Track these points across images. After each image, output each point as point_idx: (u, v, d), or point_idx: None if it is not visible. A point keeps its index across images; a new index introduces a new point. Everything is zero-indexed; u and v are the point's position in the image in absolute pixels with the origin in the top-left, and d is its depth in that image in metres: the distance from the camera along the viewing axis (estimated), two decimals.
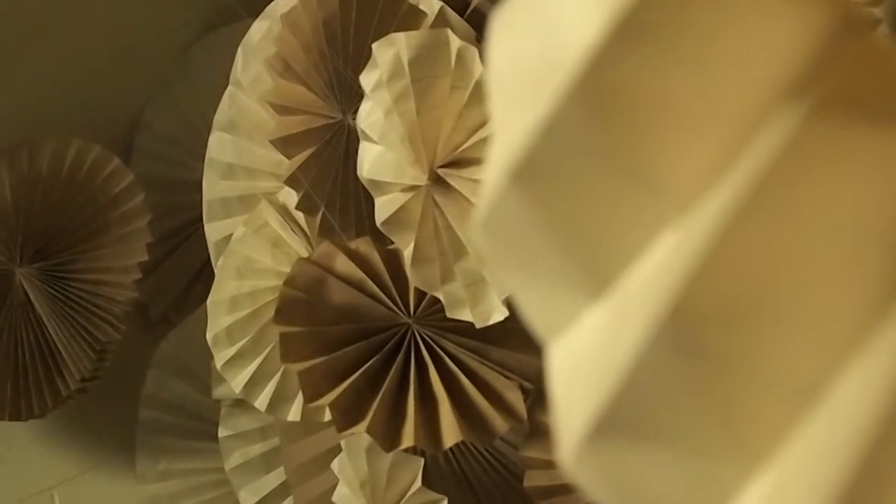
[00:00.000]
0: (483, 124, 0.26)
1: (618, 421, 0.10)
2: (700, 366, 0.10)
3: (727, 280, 0.10)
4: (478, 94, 0.26)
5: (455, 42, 0.26)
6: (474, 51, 0.26)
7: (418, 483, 0.27)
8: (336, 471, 0.28)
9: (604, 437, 0.10)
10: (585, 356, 0.11)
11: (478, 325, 0.26)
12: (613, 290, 0.11)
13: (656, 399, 0.10)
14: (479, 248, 0.11)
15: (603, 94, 0.10)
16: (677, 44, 0.10)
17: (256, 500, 0.32)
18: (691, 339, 0.10)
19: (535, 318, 0.11)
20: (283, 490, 0.32)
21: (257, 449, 0.32)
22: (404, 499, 0.27)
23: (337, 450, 0.29)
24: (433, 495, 0.27)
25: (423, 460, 0.27)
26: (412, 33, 0.26)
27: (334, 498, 0.28)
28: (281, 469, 0.32)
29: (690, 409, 0.10)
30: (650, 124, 0.10)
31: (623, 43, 0.10)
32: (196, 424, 0.35)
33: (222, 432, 0.32)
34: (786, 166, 0.09)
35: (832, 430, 0.09)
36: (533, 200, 0.10)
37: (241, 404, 0.32)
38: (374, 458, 0.27)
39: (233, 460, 0.32)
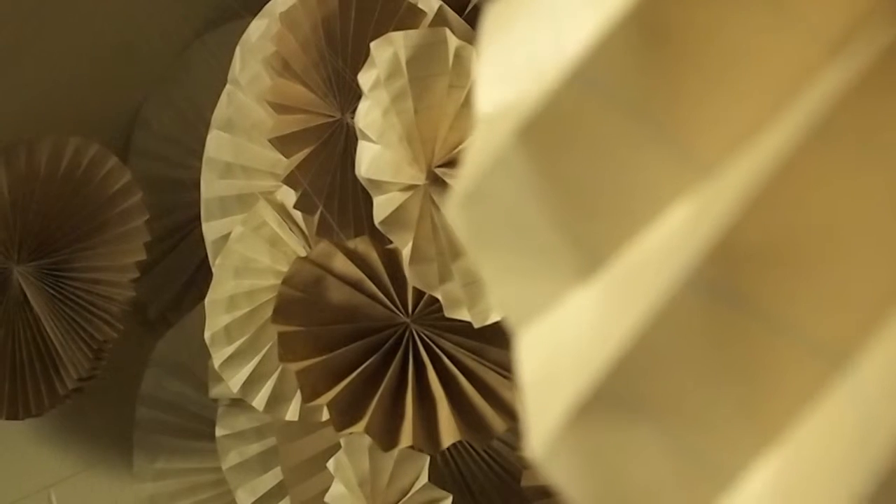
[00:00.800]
0: None
1: (615, 395, 0.09)
2: (735, 313, 0.09)
3: (775, 222, 0.09)
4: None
5: (453, 41, 0.26)
6: (472, 50, 0.26)
7: (424, 480, 0.26)
8: (332, 470, 0.28)
9: (593, 416, 0.10)
10: (569, 335, 0.10)
11: (476, 325, 0.26)
12: (607, 266, 0.10)
13: (671, 363, 0.09)
14: (458, 226, 0.11)
15: (649, 34, 0.09)
16: None
17: (253, 499, 0.32)
18: (732, 280, 0.09)
19: (509, 302, 0.11)
20: (280, 490, 0.32)
21: (254, 448, 0.32)
22: (407, 496, 0.27)
23: (334, 450, 0.29)
24: (438, 492, 0.27)
25: (428, 458, 0.27)
26: (410, 32, 0.26)
27: (327, 498, 0.28)
28: (278, 469, 0.32)
29: (712, 368, 0.09)
30: (693, 75, 0.09)
31: None
32: (193, 424, 0.35)
33: (219, 432, 0.32)
34: (840, 119, 0.09)
35: (855, 405, 0.09)
36: (540, 160, 0.10)
37: (239, 404, 0.32)
38: (377, 456, 0.27)
39: (230, 460, 0.32)
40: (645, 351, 0.09)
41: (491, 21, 0.11)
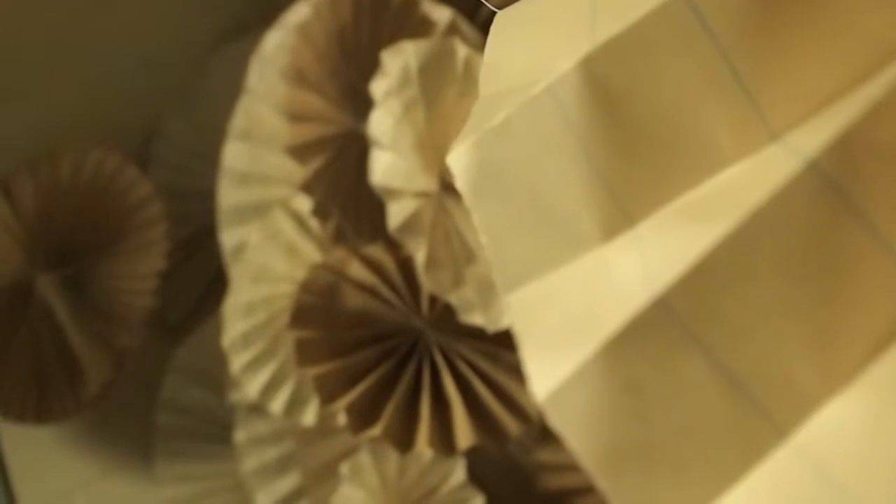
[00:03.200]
0: None
1: (667, 316, 0.08)
2: (841, 208, 0.08)
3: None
4: None
5: (462, 51, 0.26)
6: (480, 59, 0.26)
7: (459, 478, 0.27)
8: (347, 473, 0.28)
9: (630, 345, 0.08)
10: (599, 287, 0.09)
11: (490, 330, 0.26)
12: (641, 220, 0.09)
13: (752, 275, 0.08)
14: (465, 169, 0.10)
15: None
16: None
17: (272, 502, 0.33)
18: (847, 171, 0.08)
19: (507, 258, 0.10)
20: (298, 493, 0.32)
21: (273, 453, 0.33)
22: (434, 496, 0.27)
23: (352, 453, 0.29)
24: (469, 492, 0.27)
25: (463, 458, 0.27)
26: (420, 42, 0.27)
27: (341, 501, 0.28)
28: (296, 472, 0.32)
29: (793, 288, 0.08)
30: (791, 31, 0.09)
31: None
32: (213, 429, 0.35)
33: (238, 436, 0.33)
34: None
35: None
36: (602, 90, 0.09)
37: (257, 409, 0.33)
38: (405, 457, 0.27)
39: (248, 464, 0.33)
40: (727, 259, 0.08)
41: (506, 20, 0.10)
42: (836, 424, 0.08)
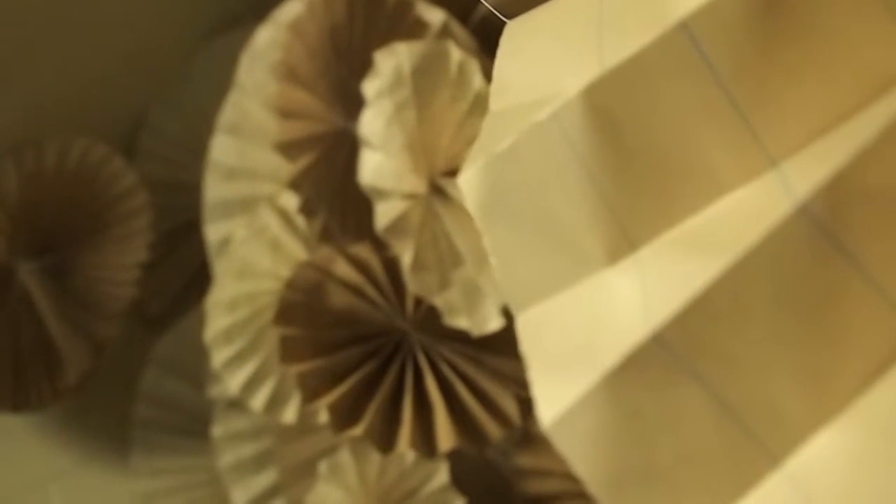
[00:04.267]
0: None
1: (662, 351, 0.08)
2: (834, 254, 0.08)
3: (887, 171, 0.09)
4: (477, 105, 0.26)
5: (455, 54, 0.27)
6: (475, 63, 0.26)
7: (443, 480, 0.27)
8: (325, 472, 0.28)
9: (630, 376, 0.08)
10: (603, 310, 0.09)
11: (474, 333, 0.27)
12: (646, 244, 0.09)
13: (742, 312, 0.08)
14: (473, 191, 0.10)
15: (768, 7, 0.09)
16: None
17: (247, 498, 0.33)
18: (840, 216, 0.08)
19: (515, 280, 0.10)
20: (274, 490, 0.32)
21: (250, 449, 0.33)
22: (413, 498, 0.27)
23: (330, 452, 0.29)
24: (451, 495, 0.27)
25: (446, 461, 0.27)
26: (414, 44, 0.27)
27: (317, 502, 0.28)
28: (273, 469, 0.32)
29: (797, 313, 0.08)
30: (787, 56, 0.09)
31: None
32: (191, 423, 0.35)
33: (216, 431, 0.33)
34: None
35: None
36: (604, 119, 0.09)
37: (236, 404, 0.33)
38: (386, 458, 0.27)
39: (225, 459, 0.33)
40: (721, 296, 0.08)
41: (514, 32, 0.11)
42: (823, 456, 0.09)
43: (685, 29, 0.09)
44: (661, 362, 0.09)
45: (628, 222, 0.09)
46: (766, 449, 0.09)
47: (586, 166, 0.09)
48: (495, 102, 0.11)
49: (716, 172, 0.09)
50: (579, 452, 0.09)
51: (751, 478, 0.09)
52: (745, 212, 0.09)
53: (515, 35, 0.11)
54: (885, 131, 0.09)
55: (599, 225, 0.10)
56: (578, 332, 0.10)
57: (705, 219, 0.09)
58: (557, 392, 0.09)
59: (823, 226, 0.09)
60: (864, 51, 0.09)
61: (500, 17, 0.21)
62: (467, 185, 0.10)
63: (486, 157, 0.10)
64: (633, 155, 0.09)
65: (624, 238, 0.09)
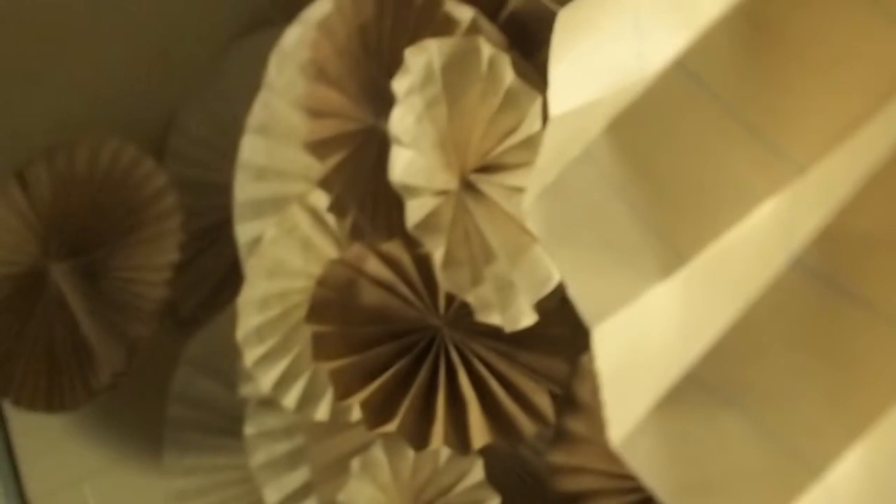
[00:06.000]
0: (513, 131, 0.26)
1: (703, 385, 0.09)
2: (838, 298, 0.09)
3: (881, 211, 0.09)
4: (508, 101, 0.26)
5: (486, 49, 0.26)
6: (505, 58, 0.26)
7: (478, 477, 0.27)
8: (358, 469, 0.28)
9: (679, 406, 0.09)
10: (655, 329, 0.10)
11: (507, 330, 0.26)
12: (690, 259, 0.10)
13: (767, 351, 0.09)
14: (534, 220, 0.11)
15: (758, 27, 0.09)
16: None
17: (280, 497, 0.33)
18: (839, 264, 0.09)
19: (585, 293, 0.11)
20: (307, 488, 0.33)
21: (282, 447, 0.33)
22: (448, 495, 0.27)
23: (362, 450, 0.29)
24: (485, 493, 0.27)
25: (481, 457, 0.27)
26: (444, 40, 0.27)
27: (349, 498, 0.28)
28: (305, 468, 0.32)
29: (808, 355, 0.09)
30: (793, 77, 0.09)
31: None
32: (223, 422, 0.35)
33: (248, 430, 0.33)
34: None
35: None
36: (631, 153, 0.10)
37: (268, 403, 0.33)
38: (420, 455, 0.27)
39: (258, 458, 0.33)
40: (741, 337, 0.09)
41: (565, 25, 0.11)
42: (852, 470, 0.09)
43: (682, 68, 0.09)
44: (698, 397, 0.10)
45: (674, 239, 0.10)
46: (808, 463, 0.09)
47: (622, 193, 0.10)
48: (553, 106, 0.11)
49: (746, 186, 0.10)
50: (644, 470, 0.10)
51: (795, 489, 0.09)
52: (761, 236, 0.10)
53: (566, 26, 0.11)
54: (874, 174, 0.09)
55: (648, 244, 0.10)
56: (632, 350, 0.10)
57: (742, 234, 0.10)
58: (622, 411, 0.10)
59: (821, 274, 0.09)
60: (867, 49, 0.09)
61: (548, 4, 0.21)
62: (530, 213, 0.11)
63: (539, 188, 0.10)
64: (665, 181, 0.10)
65: (673, 252, 0.10)
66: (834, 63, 0.09)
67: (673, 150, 0.10)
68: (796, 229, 0.09)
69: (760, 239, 0.10)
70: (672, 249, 0.10)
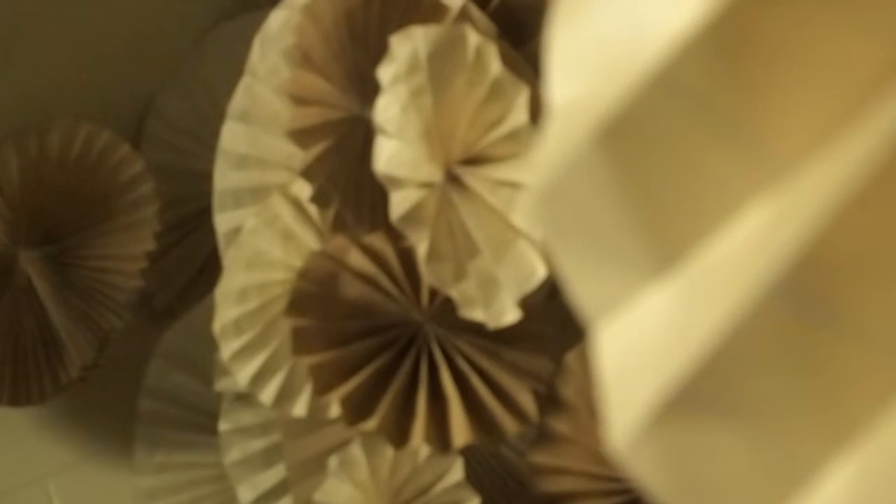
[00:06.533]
0: (499, 122, 0.26)
1: (694, 397, 0.10)
2: (817, 322, 0.09)
3: (861, 233, 0.09)
4: (495, 91, 0.26)
5: (473, 38, 0.26)
6: (492, 47, 0.26)
7: (457, 477, 0.26)
8: (336, 467, 0.28)
9: (673, 416, 0.10)
10: (648, 334, 0.10)
11: (490, 326, 0.26)
12: (685, 265, 0.10)
13: (752, 369, 0.10)
14: (537, 222, 0.11)
15: (729, 40, 0.09)
16: None
17: (255, 495, 0.32)
18: (815, 291, 0.09)
19: (585, 295, 0.11)
20: (282, 487, 0.32)
21: (258, 444, 0.32)
22: (426, 495, 0.27)
23: (339, 447, 0.28)
24: (464, 493, 0.26)
25: (461, 456, 0.26)
26: (430, 28, 0.26)
27: (322, 496, 0.27)
28: (281, 466, 0.31)
29: (792, 376, 0.10)
30: (769, 79, 0.10)
31: None
32: (197, 417, 0.34)
33: (223, 426, 0.32)
34: None
35: None
36: (617, 163, 0.10)
37: (244, 398, 0.32)
38: (399, 453, 0.27)
39: (232, 455, 0.32)
40: (727, 353, 0.10)
41: (563, 7, 0.11)
42: (837, 480, 0.10)
43: (661, 81, 0.10)
44: (691, 406, 0.10)
45: (668, 243, 0.10)
46: (796, 474, 0.10)
47: (618, 202, 0.10)
48: (553, 94, 0.11)
49: (730, 186, 0.10)
50: (645, 474, 0.10)
51: (786, 496, 0.10)
52: (748, 246, 0.10)
53: (563, 5, 0.11)
54: (846, 198, 0.09)
55: (645, 243, 0.10)
56: (632, 353, 0.10)
57: (733, 241, 0.10)
58: (623, 414, 0.10)
59: (796, 296, 0.09)
60: (846, 43, 0.09)
61: None
62: (532, 216, 0.11)
63: (539, 188, 0.10)
64: (656, 187, 0.10)
65: (668, 257, 0.10)
66: (807, 68, 0.10)
67: (657, 157, 0.10)
68: (773, 250, 0.10)
69: (744, 251, 0.10)
70: (665, 254, 0.11)
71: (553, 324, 0.28)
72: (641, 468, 0.10)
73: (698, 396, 0.10)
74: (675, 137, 0.10)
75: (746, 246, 0.10)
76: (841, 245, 0.09)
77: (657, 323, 0.10)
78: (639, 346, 0.10)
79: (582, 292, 0.11)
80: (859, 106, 0.10)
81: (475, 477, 0.29)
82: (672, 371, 0.10)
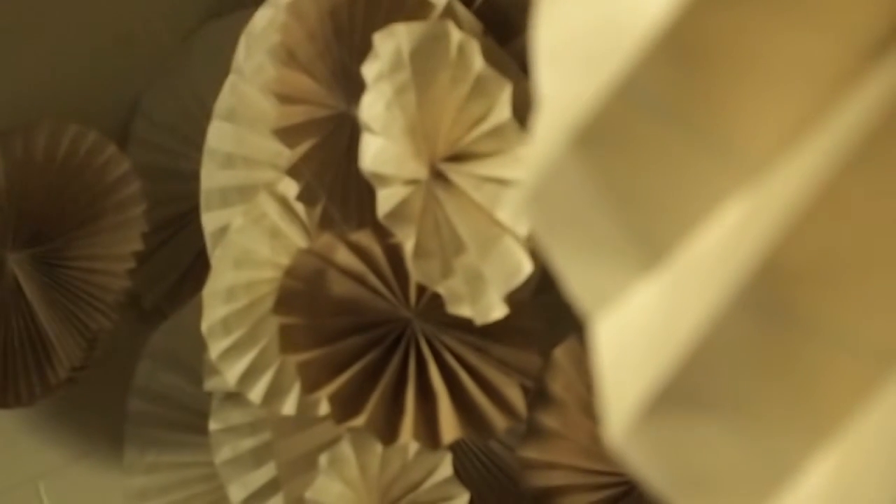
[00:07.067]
0: (483, 118, 0.26)
1: (678, 393, 0.10)
2: (782, 325, 0.10)
3: (820, 239, 0.09)
4: (478, 87, 0.26)
5: (456, 35, 0.26)
6: (475, 44, 0.26)
7: (446, 473, 0.26)
8: (326, 464, 0.28)
9: (660, 410, 0.10)
10: (638, 328, 0.10)
11: (478, 322, 0.26)
12: (670, 261, 0.10)
13: (727, 366, 0.10)
14: (528, 219, 0.11)
15: (690, 46, 0.10)
16: None
17: (246, 494, 0.32)
18: (778, 297, 0.10)
19: (580, 290, 0.11)
20: (273, 485, 0.32)
21: (248, 443, 0.32)
22: (416, 491, 0.27)
23: (329, 445, 0.28)
24: (454, 489, 0.26)
25: (449, 452, 0.26)
26: (413, 25, 0.26)
27: (314, 494, 0.27)
28: (271, 464, 0.31)
29: (763, 375, 0.10)
30: (734, 82, 0.10)
31: None
32: (186, 417, 0.34)
33: (213, 426, 0.32)
34: (888, 125, 0.09)
35: None
36: (593, 167, 0.10)
37: (233, 398, 0.32)
38: (387, 450, 0.27)
39: (223, 454, 0.32)
40: (705, 350, 0.10)
41: None
42: (818, 474, 0.10)
43: (625, 92, 0.10)
44: (678, 402, 0.10)
45: (654, 235, 0.10)
46: (781, 468, 0.10)
47: (594, 201, 0.10)
48: (540, 83, 0.11)
49: (704, 186, 0.10)
50: (641, 466, 0.10)
51: (774, 489, 0.11)
52: (721, 247, 0.10)
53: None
54: (803, 209, 0.09)
55: (630, 241, 0.10)
56: (625, 348, 0.10)
57: (711, 240, 0.10)
58: (612, 413, 0.10)
59: (762, 310, 0.10)
60: (803, 46, 0.10)
61: None
62: (523, 209, 0.11)
63: (527, 186, 0.10)
64: (632, 187, 0.10)
65: (652, 254, 0.10)
66: (767, 71, 0.10)
67: (630, 161, 0.10)
68: (738, 256, 0.10)
69: (720, 248, 0.10)
70: (650, 248, 0.11)
71: (541, 319, 0.28)
72: (636, 460, 0.10)
73: (684, 391, 0.10)
74: (645, 141, 0.10)
75: (722, 243, 0.10)
76: (802, 249, 0.09)
77: (646, 317, 0.11)
78: (631, 340, 0.10)
79: (576, 287, 0.11)
80: (826, 104, 0.10)
81: (465, 472, 0.29)
82: (659, 366, 0.10)
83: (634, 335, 0.10)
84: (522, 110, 0.26)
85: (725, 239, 0.10)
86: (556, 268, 0.11)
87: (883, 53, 0.10)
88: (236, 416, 0.32)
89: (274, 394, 0.29)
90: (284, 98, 0.28)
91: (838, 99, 0.10)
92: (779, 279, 0.09)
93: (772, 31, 0.10)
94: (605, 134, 0.10)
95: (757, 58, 0.10)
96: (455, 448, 0.29)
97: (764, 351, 0.10)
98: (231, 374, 0.29)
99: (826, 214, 0.09)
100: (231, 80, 0.31)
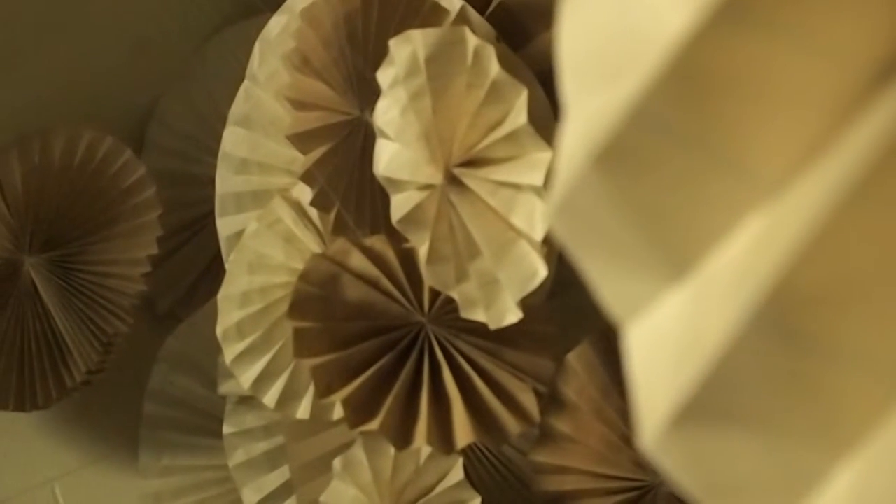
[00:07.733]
0: (498, 124, 0.26)
1: (705, 404, 0.10)
2: (798, 348, 0.10)
3: (832, 263, 0.10)
4: (494, 93, 0.26)
5: (472, 40, 0.26)
6: (491, 49, 0.26)
7: (458, 477, 0.26)
8: (339, 468, 0.28)
9: (689, 420, 0.10)
10: (667, 338, 0.11)
11: (491, 327, 0.26)
12: (694, 273, 0.11)
13: (748, 382, 0.10)
14: (555, 231, 0.11)
15: (698, 76, 0.10)
16: (776, 22, 0.10)
17: (259, 498, 0.32)
18: (792, 321, 0.10)
19: (611, 299, 0.11)
20: (286, 489, 0.32)
21: (261, 447, 0.32)
22: (430, 495, 0.27)
23: (343, 449, 0.28)
24: (466, 492, 0.27)
25: (461, 456, 0.26)
26: (429, 31, 0.26)
27: (330, 499, 0.28)
28: (284, 468, 0.32)
29: (783, 393, 0.10)
30: (744, 108, 0.10)
31: (721, 23, 0.10)
32: (201, 421, 0.35)
33: (227, 429, 0.32)
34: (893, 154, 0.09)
35: None
36: (614, 185, 0.11)
37: (247, 401, 0.32)
38: (400, 454, 0.27)
39: (236, 457, 0.32)
40: (728, 366, 0.10)
41: (568, 5, 0.11)
42: (839, 484, 0.10)
43: (639, 116, 0.10)
44: (705, 414, 0.10)
45: (678, 248, 0.10)
46: (804, 478, 0.11)
47: (614, 215, 0.11)
48: (565, 90, 0.11)
49: (722, 207, 0.10)
50: (676, 473, 0.10)
51: (802, 490, 0.11)
52: (741, 264, 0.11)
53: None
54: (815, 235, 0.10)
55: (655, 253, 0.11)
56: (656, 357, 0.10)
57: (727, 255, 0.10)
58: (646, 420, 0.10)
59: (777, 333, 0.10)
60: (809, 73, 0.10)
61: None
62: (552, 221, 0.11)
63: (551, 205, 0.11)
64: (654, 204, 0.10)
65: (681, 258, 0.10)
66: (773, 96, 0.10)
67: (649, 181, 0.11)
68: (755, 279, 0.10)
69: (739, 263, 0.11)
70: (674, 261, 0.11)
71: (554, 324, 0.28)
72: (668, 466, 0.11)
73: (710, 403, 0.10)
74: (661, 161, 0.10)
75: (740, 258, 0.10)
76: (815, 272, 0.10)
77: (674, 326, 0.11)
78: (660, 349, 0.11)
79: (607, 296, 0.11)
80: (836, 128, 0.10)
81: (476, 476, 0.29)
82: (687, 377, 0.10)
83: (664, 344, 0.11)
84: (536, 116, 0.26)
85: (743, 255, 0.10)
86: (587, 277, 0.11)
87: (889, 78, 0.10)
88: (250, 420, 0.32)
89: (288, 398, 0.29)
90: (299, 104, 0.29)
91: (848, 122, 0.10)
92: (792, 302, 0.10)
93: (779, 57, 0.10)
94: (624, 154, 0.10)
95: (766, 83, 0.10)
96: (467, 452, 0.29)
97: (783, 369, 0.10)
98: (245, 377, 0.29)
99: (837, 239, 0.09)
100: (246, 85, 0.31)
